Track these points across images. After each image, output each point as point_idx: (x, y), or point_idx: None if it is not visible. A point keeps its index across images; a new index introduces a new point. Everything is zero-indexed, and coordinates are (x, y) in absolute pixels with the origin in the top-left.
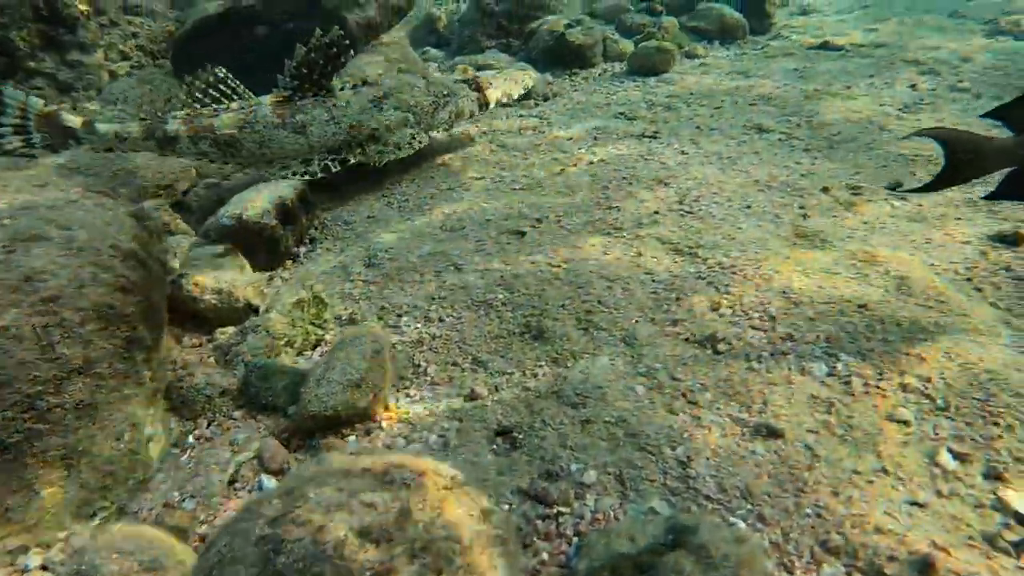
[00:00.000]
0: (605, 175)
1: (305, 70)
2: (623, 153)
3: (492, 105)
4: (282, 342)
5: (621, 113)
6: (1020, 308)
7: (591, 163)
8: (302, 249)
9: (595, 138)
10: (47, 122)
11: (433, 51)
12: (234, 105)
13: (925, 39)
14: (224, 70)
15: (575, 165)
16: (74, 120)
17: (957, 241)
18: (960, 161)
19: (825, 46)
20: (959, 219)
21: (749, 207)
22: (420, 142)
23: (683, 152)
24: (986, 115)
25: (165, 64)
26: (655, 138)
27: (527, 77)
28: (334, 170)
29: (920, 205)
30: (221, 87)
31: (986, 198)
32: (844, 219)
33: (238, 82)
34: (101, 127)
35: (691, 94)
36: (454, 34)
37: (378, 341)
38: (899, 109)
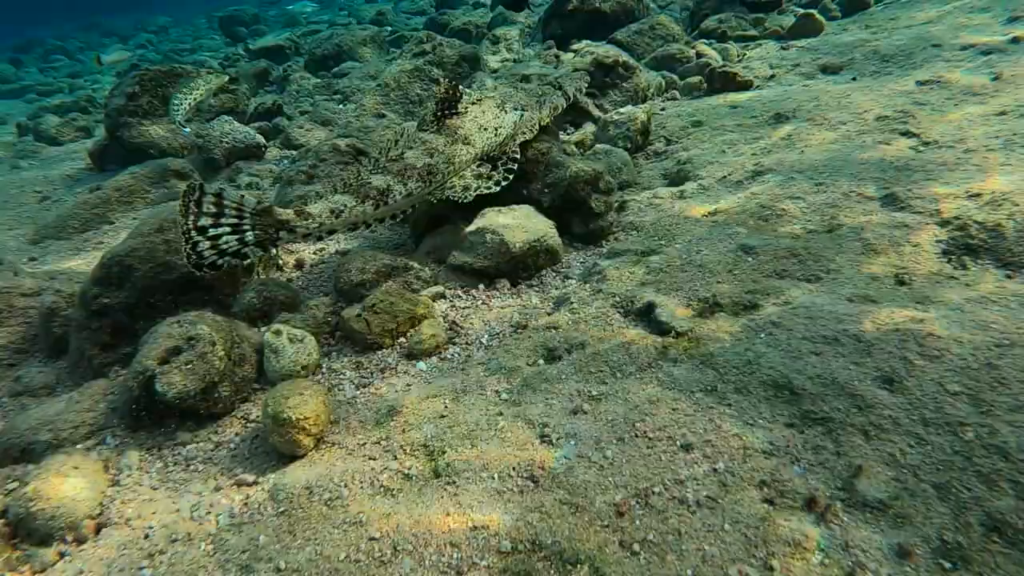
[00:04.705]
0: None
1: (441, 108)
2: None
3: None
4: None
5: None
6: None
7: None
8: None
9: None
10: (261, 219)
11: None
12: (407, 142)
13: (799, 289)
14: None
15: None
16: (287, 212)
17: None
18: None
19: (649, 313)
20: None
21: None
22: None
23: None
24: None
25: None
26: None
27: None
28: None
29: None
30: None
31: None
32: None
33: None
34: (313, 208)
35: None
36: None
37: None
38: None
